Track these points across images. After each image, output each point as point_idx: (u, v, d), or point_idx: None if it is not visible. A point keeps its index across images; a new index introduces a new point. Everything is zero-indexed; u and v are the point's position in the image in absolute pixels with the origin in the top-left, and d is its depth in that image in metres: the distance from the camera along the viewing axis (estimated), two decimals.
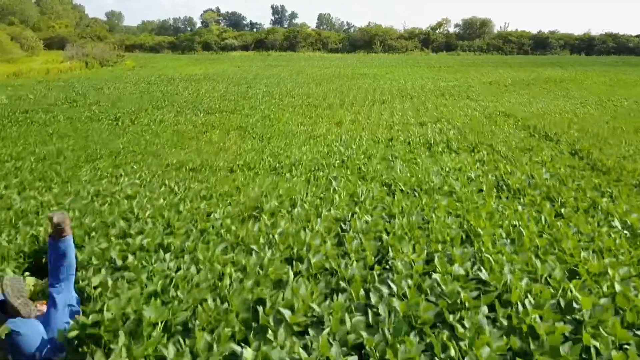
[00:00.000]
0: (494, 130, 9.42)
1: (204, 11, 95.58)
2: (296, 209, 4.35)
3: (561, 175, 5.60)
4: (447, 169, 6.07)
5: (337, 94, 16.74)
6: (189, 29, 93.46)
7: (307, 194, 4.92)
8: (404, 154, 7.13)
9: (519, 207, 4.45)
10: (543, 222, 4.09)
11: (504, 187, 5.22)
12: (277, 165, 6.52)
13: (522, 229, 3.80)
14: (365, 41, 65.16)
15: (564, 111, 12.73)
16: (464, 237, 3.71)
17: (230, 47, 66.17)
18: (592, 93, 17.90)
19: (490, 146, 7.76)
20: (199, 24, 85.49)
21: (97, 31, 70.55)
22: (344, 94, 16.79)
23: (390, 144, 8.28)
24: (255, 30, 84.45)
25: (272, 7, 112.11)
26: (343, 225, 3.90)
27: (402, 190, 5.07)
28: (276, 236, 3.60)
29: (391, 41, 64.90)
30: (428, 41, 66.01)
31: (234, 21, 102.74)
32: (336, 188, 5.12)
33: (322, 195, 4.94)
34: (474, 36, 68.24)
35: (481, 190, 5.11)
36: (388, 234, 3.71)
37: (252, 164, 6.60)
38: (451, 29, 70.24)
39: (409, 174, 5.75)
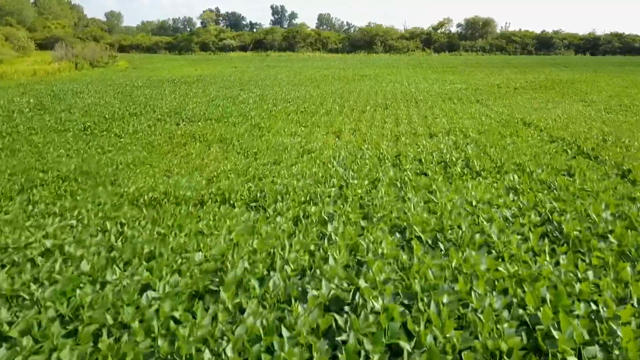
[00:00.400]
0: (517, 143, 8.11)
1: (203, 11, 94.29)
2: (273, 279, 3.03)
3: (628, 214, 4.28)
4: (473, 203, 4.75)
5: (336, 98, 15.43)
6: (188, 29, 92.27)
7: (291, 246, 3.61)
8: (416, 178, 5.81)
9: (589, 274, 3.13)
10: (635, 303, 2.77)
11: (556, 234, 3.90)
12: (259, 195, 5.20)
13: (611, 324, 2.48)
14: (366, 41, 63.86)
15: (588, 118, 11.41)
16: (525, 339, 2.39)
17: (229, 48, 64.91)
18: (611, 96, 16.57)
19: (520, 166, 6.44)
20: (198, 24, 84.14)
21: (93, 31, 69.30)
22: (343, 98, 15.47)
23: (398, 161, 6.97)
24: (254, 30, 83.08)
25: (271, 7, 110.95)
26: (338, 318, 2.57)
27: (420, 239, 3.75)
28: (229, 350, 2.26)
29: (392, 41, 63.59)
30: (430, 41, 64.69)
31: (234, 21, 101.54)
32: (332, 236, 3.80)
33: (312, 247, 3.63)
34: (476, 36, 66.92)
35: (526, 239, 3.79)
36: (411, 336, 2.39)
37: (228, 192, 5.28)
38: (453, 29, 68.91)
39: (426, 212, 4.43)
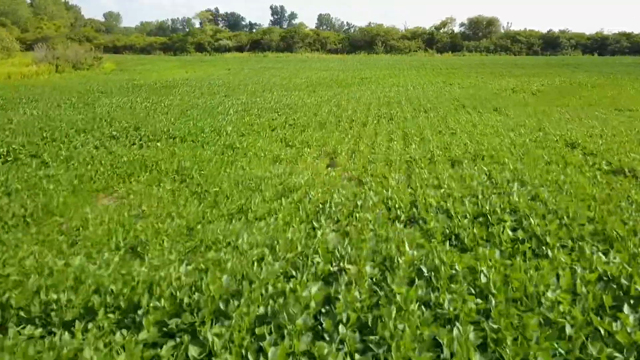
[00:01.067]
0: (571, 177, 5.96)
1: (200, 11, 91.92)
2: None
3: None
4: (566, 332, 2.61)
5: (332, 107, 13.28)
6: (187, 29, 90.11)
7: None
8: (451, 257, 3.63)
9: None
10: None
11: None
12: (190, 301, 3.05)
13: None
14: (366, 41, 61.72)
15: None
16: None
17: (225, 48, 62.82)
18: None
19: (596, 225, 4.29)
20: (197, 25, 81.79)
21: (86, 32, 67.29)
22: (341, 107, 13.32)
23: (416, 214, 4.82)
24: (253, 31, 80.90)
25: (271, 7, 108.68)
26: None
27: None
28: None
29: (393, 41, 61.45)
30: (432, 41, 62.51)
31: (233, 22, 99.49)
32: None
33: None
34: (480, 36, 64.72)
35: None
36: None
37: (141, 291, 3.14)
38: (456, 29, 66.66)
39: None
